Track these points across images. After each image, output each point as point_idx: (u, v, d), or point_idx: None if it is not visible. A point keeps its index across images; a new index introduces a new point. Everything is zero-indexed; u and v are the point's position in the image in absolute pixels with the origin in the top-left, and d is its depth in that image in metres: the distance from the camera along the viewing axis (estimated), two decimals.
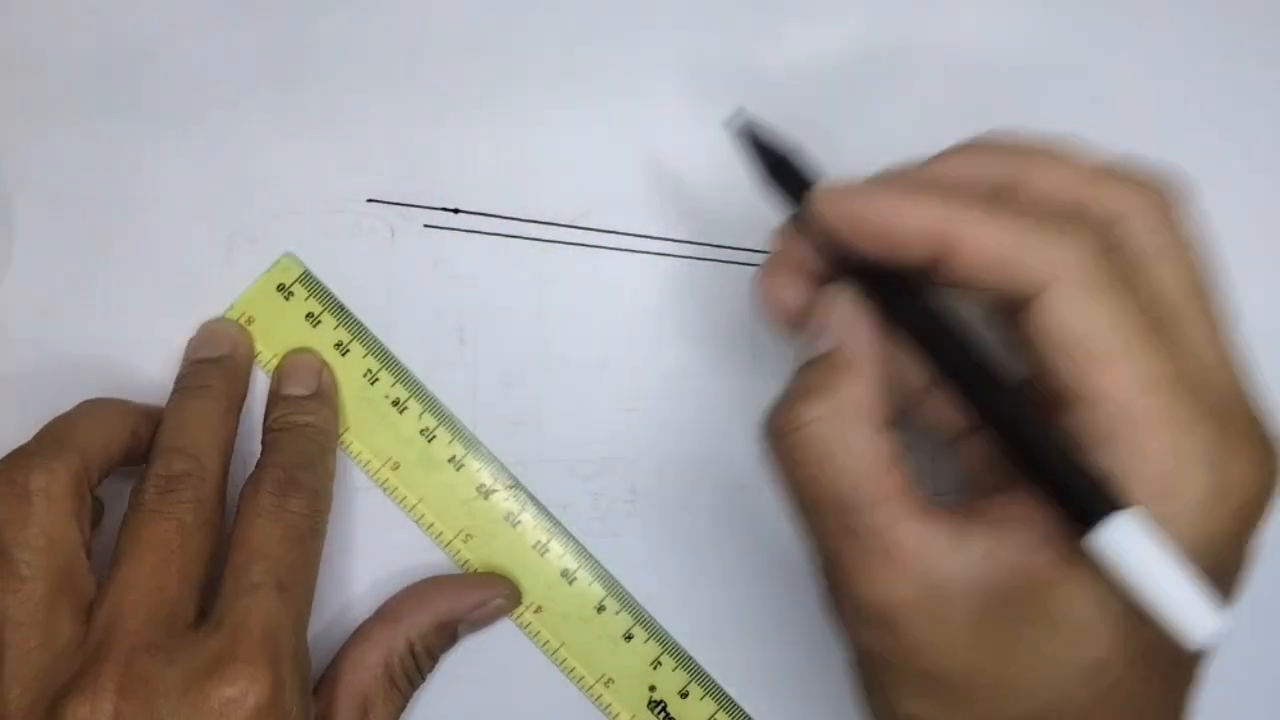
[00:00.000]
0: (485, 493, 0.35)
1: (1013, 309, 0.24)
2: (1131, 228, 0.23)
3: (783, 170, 0.27)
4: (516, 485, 0.35)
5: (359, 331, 0.35)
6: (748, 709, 0.35)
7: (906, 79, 0.36)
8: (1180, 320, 0.23)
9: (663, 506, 0.35)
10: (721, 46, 0.36)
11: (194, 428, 0.32)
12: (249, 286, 0.35)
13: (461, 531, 0.35)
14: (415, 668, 0.33)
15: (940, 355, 0.24)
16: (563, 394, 0.36)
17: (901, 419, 0.27)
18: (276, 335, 0.35)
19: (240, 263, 0.36)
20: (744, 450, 0.35)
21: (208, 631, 0.29)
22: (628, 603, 0.35)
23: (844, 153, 0.36)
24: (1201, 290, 0.24)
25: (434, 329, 0.35)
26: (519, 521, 0.35)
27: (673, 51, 0.36)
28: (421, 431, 0.35)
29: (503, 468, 0.35)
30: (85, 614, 0.29)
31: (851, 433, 0.24)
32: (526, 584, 0.35)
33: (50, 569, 0.29)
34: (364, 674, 0.32)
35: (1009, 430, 0.23)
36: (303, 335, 0.35)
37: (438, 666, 0.34)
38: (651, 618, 0.35)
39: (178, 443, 0.32)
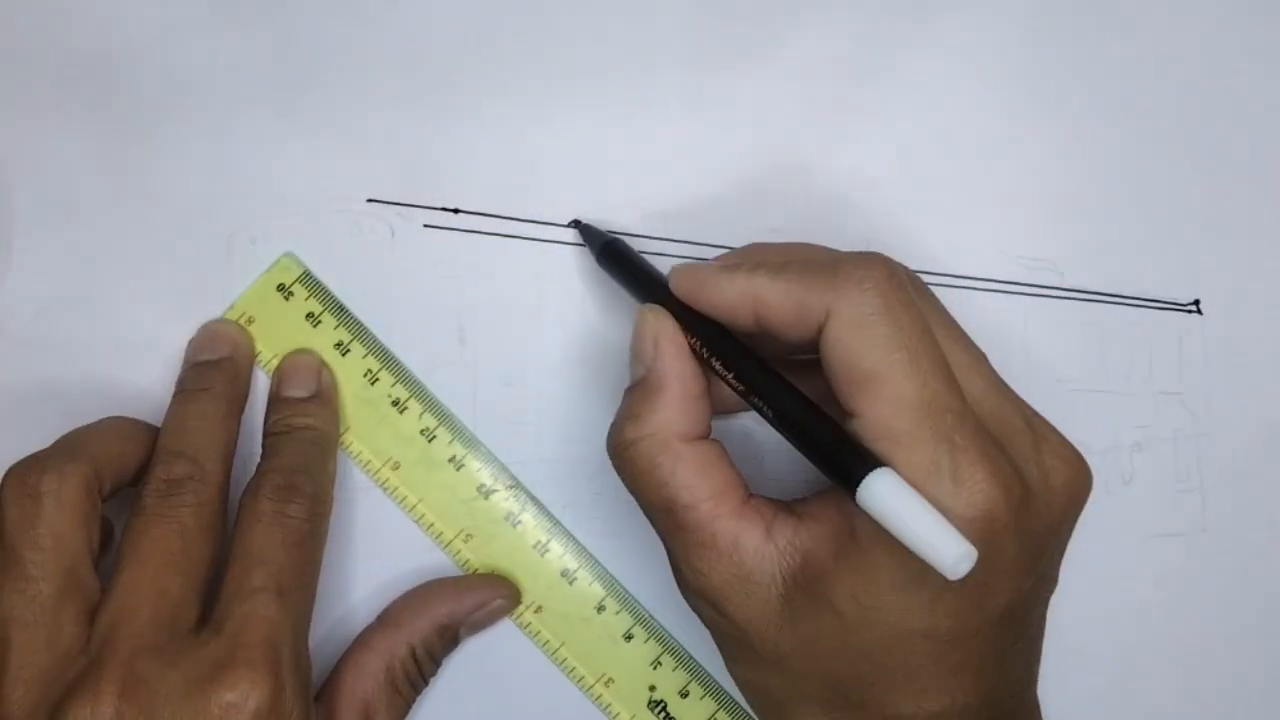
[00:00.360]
0: (485, 493, 0.35)
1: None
2: (886, 280, 0.27)
3: (611, 255, 0.33)
4: (517, 485, 0.35)
5: (359, 331, 0.35)
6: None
7: (907, 78, 0.36)
8: (943, 350, 0.27)
9: None
10: (721, 47, 0.36)
11: (195, 431, 0.32)
12: (249, 286, 0.35)
13: (462, 531, 0.35)
14: (417, 672, 0.33)
15: (739, 370, 0.28)
16: (563, 394, 0.36)
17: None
18: (277, 335, 0.35)
19: (240, 263, 0.36)
20: (743, 450, 0.35)
21: (209, 636, 0.29)
22: (628, 603, 0.35)
23: (845, 152, 0.36)
24: (952, 326, 0.28)
25: (434, 329, 0.36)
26: (519, 521, 0.35)
27: (673, 51, 0.36)
28: (422, 431, 0.35)
29: (503, 468, 0.35)
30: (89, 617, 0.29)
31: (666, 449, 0.28)
32: (527, 584, 0.35)
33: (57, 570, 0.29)
34: (366, 680, 0.32)
35: (792, 420, 0.27)
36: (303, 335, 0.35)
37: (439, 669, 0.34)
38: (651, 617, 0.35)
39: (178, 446, 0.32)
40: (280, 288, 0.35)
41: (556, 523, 0.35)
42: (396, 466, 0.35)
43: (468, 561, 0.35)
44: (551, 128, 0.36)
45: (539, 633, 0.35)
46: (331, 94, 0.36)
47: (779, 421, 0.27)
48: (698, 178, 0.36)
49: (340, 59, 0.36)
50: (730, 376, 0.29)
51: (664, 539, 0.29)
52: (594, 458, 0.35)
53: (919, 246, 0.35)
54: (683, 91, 0.36)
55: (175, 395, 0.33)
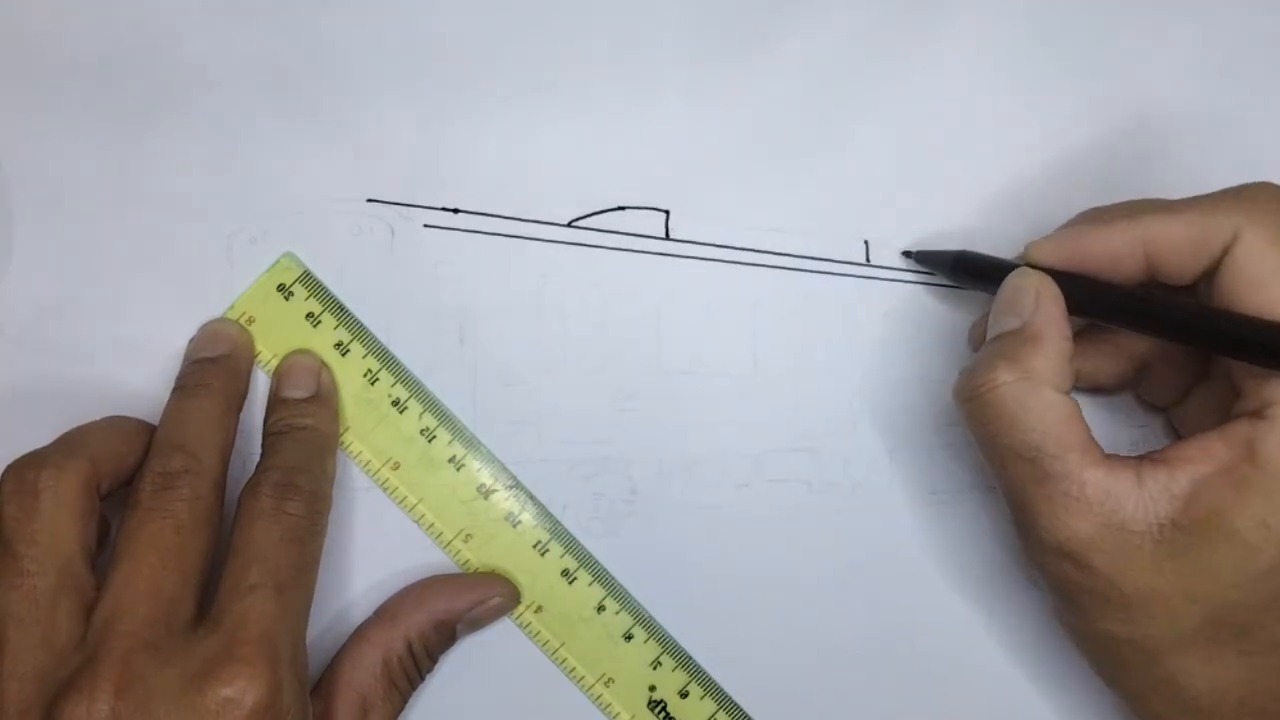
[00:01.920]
0: (485, 492, 0.35)
1: (1206, 285, 0.29)
2: None
3: (964, 265, 0.34)
4: (516, 485, 0.35)
5: (359, 331, 0.35)
6: (748, 709, 0.35)
7: (906, 78, 0.36)
8: None
9: (663, 506, 0.35)
10: (721, 47, 0.36)
11: (192, 426, 0.32)
12: (249, 286, 0.35)
13: (462, 531, 0.35)
14: (414, 667, 0.33)
15: (1136, 312, 0.29)
16: (563, 394, 0.36)
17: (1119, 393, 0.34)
18: (277, 335, 0.35)
19: (240, 263, 0.36)
20: (743, 450, 0.35)
21: (205, 632, 0.29)
22: (627, 603, 0.35)
23: (844, 151, 0.36)
24: None
25: (434, 329, 0.35)
26: (519, 521, 0.35)
27: (673, 50, 0.36)
28: (422, 431, 0.35)
29: (503, 468, 0.35)
30: (86, 614, 0.29)
31: (1038, 393, 0.28)
32: (526, 584, 0.35)
33: (53, 566, 0.29)
34: (363, 674, 0.32)
35: (1219, 332, 0.28)
36: (303, 335, 0.35)
37: (438, 666, 0.34)
38: (651, 618, 0.35)
39: (175, 440, 0.32)
40: (280, 288, 0.35)
41: (556, 523, 0.35)
42: (396, 466, 0.35)
43: (467, 561, 0.35)
44: (551, 127, 0.36)
45: (539, 633, 0.35)
46: (331, 94, 0.36)
47: (1203, 334, 0.28)
48: (698, 176, 0.36)
49: (340, 59, 0.36)
50: (1126, 317, 0.29)
51: (1018, 491, 0.29)
52: (594, 457, 0.35)
53: (919, 244, 0.35)
54: (683, 90, 0.36)
55: (174, 391, 0.33)
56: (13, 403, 0.35)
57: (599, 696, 0.35)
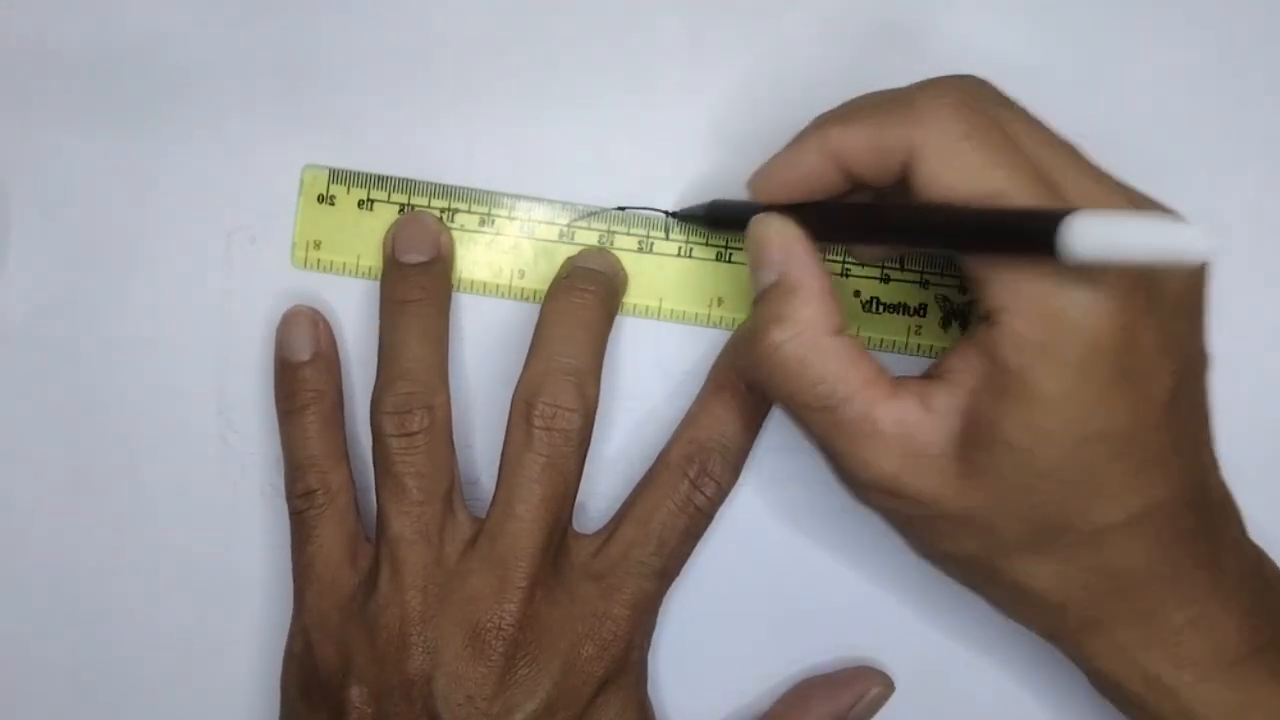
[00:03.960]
0: (608, 240, 0.35)
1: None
2: (964, 104, 0.27)
3: (718, 215, 0.33)
4: (616, 220, 0.35)
5: (411, 187, 0.35)
6: (746, 708, 0.36)
7: (907, 77, 0.36)
8: (1046, 151, 0.27)
9: None
10: (722, 47, 0.36)
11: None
12: (297, 217, 0.35)
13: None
14: None
15: (868, 226, 0.29)
16: None
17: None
18: (347, 243, 0.35)
19: (240, 263, 0.36)
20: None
21: (588, 571, 0.33)
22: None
23: None
24: (1036, 130, 0.28)
25: None
26: (652, 244, 0.35)
27: (673, 49, 0.36)
28: (521, 231, 0.35)
29: (602, 213, 0.35)
30: (470, 534, 0.32)
31: (814, 345, 0.28)
32: (702, 292, 0.35)
33: (438, 495, 0.32)
34: None
35: (956, 225, 0.26)
36: (368, 225, 0.35)
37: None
38: None
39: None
40: (321, 198, 0.35)
41: (674, 224, 0.35)
42: (522, 274, 0.35)
43: (635, 306, 0.35)
44: (551, 126, 0.36)
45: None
46: (331, 93, 0.36)
47: (932, 234, 0.27)
48: (698, 176, 0.36)
49: (340, 59, 0.36)
50: (862, 233, 0.29)
51: (822, 439, 0.29)
52: (594, 458, 0.35)
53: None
54: (683, 90, 0.36)
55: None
56: (11, 402, 0.35)
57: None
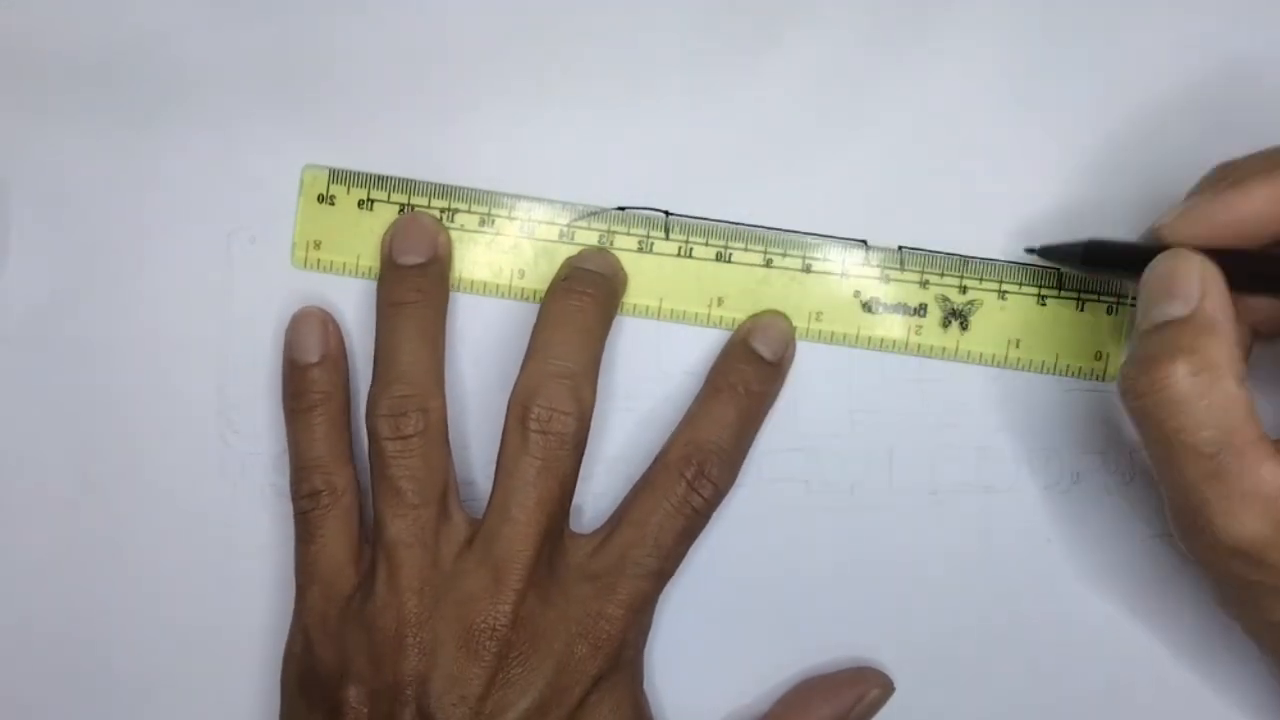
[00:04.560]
0: (608, 240, 0.35)
1: None
2: None
3: (1094, 254, 0.32)
4: (615, 220, 0.35)
5: (411, 187, 0.35)
6: (745, 708, 0.36)
7: (908, 77, 0.36)
8: None
9: None
10: (722, 47, 0.36)
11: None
12: (297, 217, 0.35)
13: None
14: None
15: None
16: None
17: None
18: (347, 243, 0.35)
19: (240, 263, 0.36)
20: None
21: (585, 572, 0.33)
22: (795, 244, 0.35)
23: (845, 151, 0.36)
24: None
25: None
26: (652, 244, 0.35)
27: (674, 50, 0.36)
28: (521, 231, 0.35)
29: (601, 212, 0.35)
30: (465, 536, 0.33)
31: (1220, 387, 0.27)
32: (701, 292, 0.35)
33: (434, 498, 0.33)
34: None
35: None
36: (368, 225, 0.35)
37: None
38: (814, 237, 0.35)
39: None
40: (321, 198, 0.35)
41: (674, 221, 0.35)
42: (522, 274, 0.35)
43: (635, 306, 0.35)
44: (552, 127, 0.36)
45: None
46: (332, 94, 0.36)
47: None
48: (699, 176, 0.36)
49: (340, 59, 0.36)
50: None
51: (1189, 490, 0.27)
52: (595, 458, 0.36)
53: (920, 244, 0.35)
54: (683, 90, 0.36)
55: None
56: (11, 402, 0.35)
57: (818, 333, 0.35)
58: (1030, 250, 0.34)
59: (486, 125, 0.36)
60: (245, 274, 0.36)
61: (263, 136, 0.36)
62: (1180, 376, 0.27)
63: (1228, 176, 0.29)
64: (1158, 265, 0.29)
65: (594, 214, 0.35)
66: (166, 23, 0.36)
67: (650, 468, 0.34)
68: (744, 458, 0.34)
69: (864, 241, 0.35)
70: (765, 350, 0.34)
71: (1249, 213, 0.28)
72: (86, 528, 0.36)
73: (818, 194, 0.36)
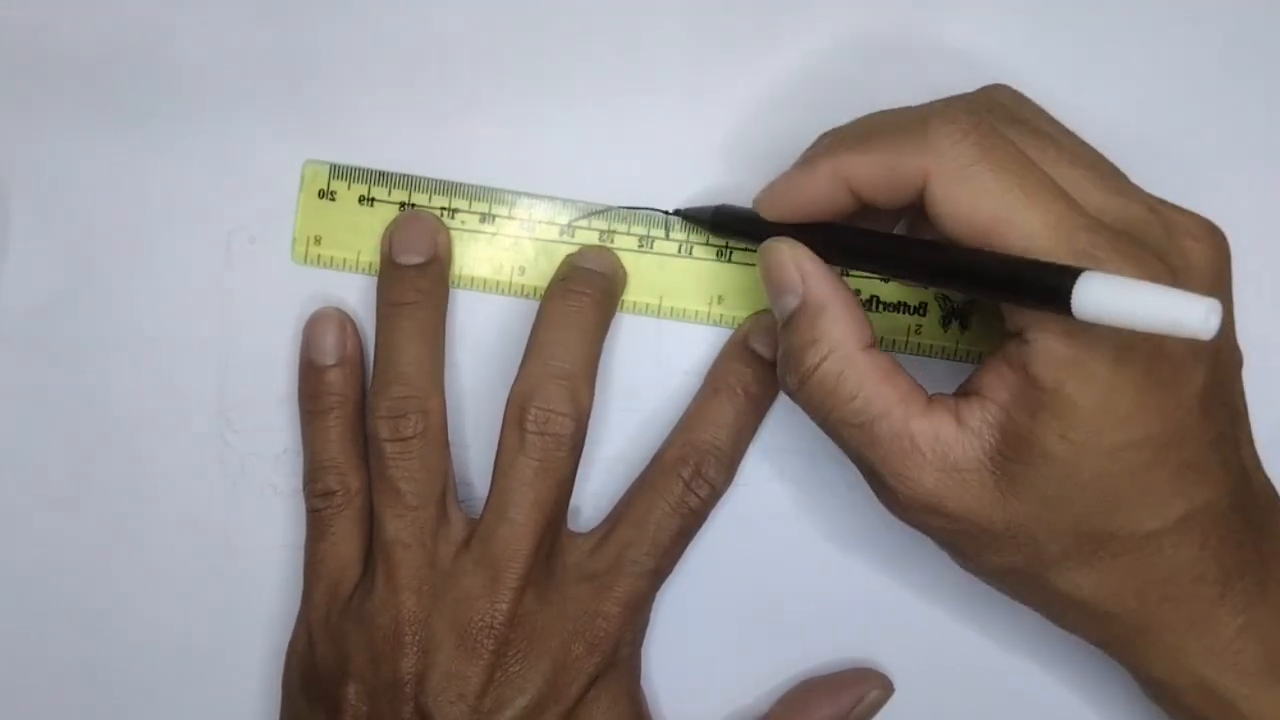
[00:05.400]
0: (609, 237, 0.35)
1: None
2: (975, 128, 0.27)
3: (722, 220, 0.33)
4: (601, 213, 0.35)
5: (412, 183, 0.35)
6: (744, 707, 0.35)
7: (907, 77, 0.36)
8: (1064, 166, 0.27)
9: None
10: (722, 46, 0.36)
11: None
12: (298, 212, 0.35)
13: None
14: None
15: (885, 258, 0.29)
16: None
17: None
18: (347, 239, 0.35)
19: (240, 262, 0.36)
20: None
21: (583, 571, 0.33)
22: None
23: None
24: (1054, 143, 0.28)
25: None
26: (653, 242, 0.35)
27: (673, 49, 0.36)
28: (522, 228, 0.35)
29: (603, 210, 0.35)
30: (463, 536, 0.33)
31: (851, 362, 0.28)
32: (701, 290, 0.35)
33: (432, 499, 0.33)
34: None
35: (967, 268, 0.26)
36: (368, 221, 0.35)
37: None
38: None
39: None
40: (322, 194, 0.35)
41: (675, 222, 0.35)
42: (522, 270, 0.35)
43: (635, 304, 0.35)
44: (551, 126, 0.36)
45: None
46: (331, 94, 0.36)
47: (949, 277, 0.27)
48: (698, 176, 0.36)
49: (340, 58, 0.36)
50: (878, 264, 0.29)
51: (861, 458, 0.29)
52: (595, 458, 0.35)
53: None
54: (683, 89, 0.36)
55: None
56: (11, 403, 0.35)
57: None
58: (669, 212, 0.35)
59: (486, 125, 0.36)
60: (245, 274, 0.36)
61: (263, 136, 0.36)
62: (811, 364, 0.28)
63: (812, 147, 0.30)
64: (763, 258, 0.30)
65: (596, 213, 0.35)
66: (166, 23, 0.36)
67: (648, 468, 0.34)
68: (741, 458, 0.35)
69: None
70: (765, 350, 0.34)
71: (816, 192, 0.29)
72: (86, 527, 0.36)
73: None
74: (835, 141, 0.29)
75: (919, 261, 0.28)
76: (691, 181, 0.36)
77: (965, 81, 0.36)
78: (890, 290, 0.35)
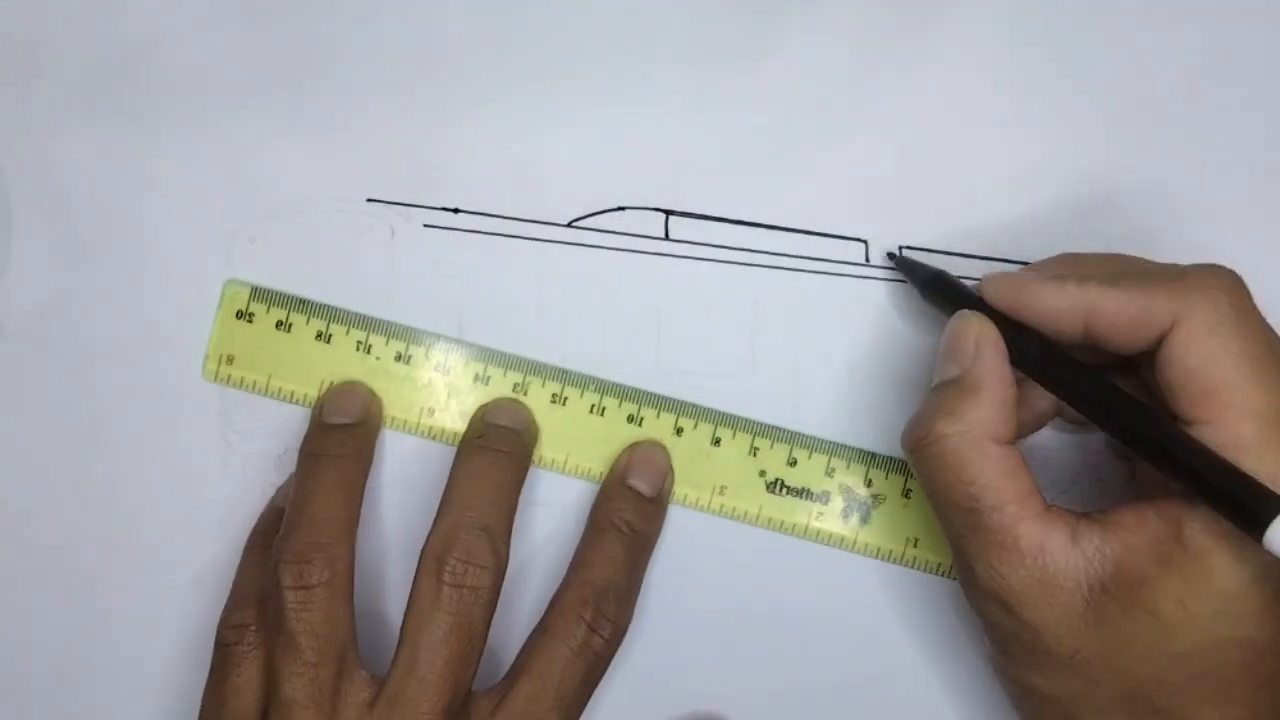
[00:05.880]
0: (522, 389, 0.35)
1: (1148, 360, 0.28)
2: (1235, 290, 0.28)
3: (939, 285, 0.33)
4: (542, 371, 0.35)
5: (331, 313, 0.35)
6: (743, 705, 0.36)
7: (906, 77, 0.36)
8: None
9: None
10: (721, 47, 0.36)
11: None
12: (212, 330, 0.35)
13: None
14: None
15: (1082, 395, 0.29)
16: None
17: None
18: (261, 361, 0.35)
19: (240, 263, 0.36)
20: None
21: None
22: (705, 414, 0.35)
23: (844, 151, 0.36)
24: None
25: (434, 328, 0.36)
26: (566, 399, 0.35)
27: (673, 50, 0.36)
28: (436, 370, 0.35)
29: (521, 361, 0.35)
30: (368, 697, 0.31)
31: (977, 447, 0.28)
32: (612, 453, 0.35)
33: (334, 656, 0.31)
34: None
35: (1160, 446, 0.27)
36: (283, 345, 0.35)
37: None
38: (723, 412, 0.35)
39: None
40: (240, 315, 0.35)
41: (589, 379, 0.35)
42: (431, 412, 0.35)
43: (541, 458, 0.35)
44: (551, 127, 0.36)
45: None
46: (331, 94, 0.36)
47: (1142, 444, 0.27)
48: (698, 177, 0.36)
49: (341, 59, 0.36)
50: (1073, 396, 0.29)
51: (958, 539, 0.29)
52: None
53: (920, 244, 0.35)
54: (683, 90, 0.36)
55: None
56: (13, 403, 0.35)
57: (720, 507, 0.35)
58: (891, 255, 0.35)
59: (486, 125, 0.36)
60: (245, 274, 0.36)
61: (263, 136, 0.36)
62: (939, 435, 0.29)
63: (1052, 270, 0.30)
64: (951, 323, 0.30)
65: (596, 213, 0.35)
66: (166, 23, 0.36)
67: (546, 613, 0.33)
68: (638, 594, 0.34)
69: (774, 427, 0.35)
70: (644, 487, 0.34)
71: (1053, 309, 0.29)
72: (86, 528, 0.36)
73: (817, 193, 0.36)
74: (1084, 269, 0.29)
75: (1122, 417, 0.28)
76: (693, 182, 0.36)
77: (965, 81, 0.36)
78: (795, 474, 0.35)
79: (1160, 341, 0.28)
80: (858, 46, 0.36)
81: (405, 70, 0.36)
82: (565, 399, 0.35)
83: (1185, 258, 0.36)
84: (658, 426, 0.35)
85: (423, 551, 0.31)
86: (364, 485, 0.34)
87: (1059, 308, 0.29)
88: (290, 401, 0.35)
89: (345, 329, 0.35)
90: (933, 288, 0.33)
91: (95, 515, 0.36)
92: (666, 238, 0.35)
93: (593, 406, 0.35)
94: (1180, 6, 0.36)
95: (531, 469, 0.35)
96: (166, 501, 0.36)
